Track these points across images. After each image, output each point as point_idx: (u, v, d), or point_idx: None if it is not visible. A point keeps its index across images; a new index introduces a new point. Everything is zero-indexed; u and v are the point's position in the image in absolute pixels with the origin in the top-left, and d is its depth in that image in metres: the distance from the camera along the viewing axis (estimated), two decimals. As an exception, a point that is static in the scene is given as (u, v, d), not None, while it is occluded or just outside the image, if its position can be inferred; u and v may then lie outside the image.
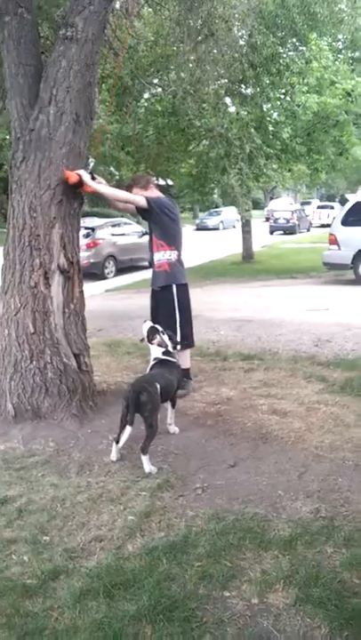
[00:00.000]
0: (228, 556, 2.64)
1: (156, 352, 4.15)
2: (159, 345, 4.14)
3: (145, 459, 3.49)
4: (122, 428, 3.57)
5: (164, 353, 4.11)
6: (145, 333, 4.24)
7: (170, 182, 18.45)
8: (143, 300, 10.71)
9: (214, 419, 4.30)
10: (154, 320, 4.60)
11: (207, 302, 9.98)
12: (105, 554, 2.70)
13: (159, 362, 4.10)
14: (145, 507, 3.09)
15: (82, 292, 4.54)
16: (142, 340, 4.32)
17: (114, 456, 3.66)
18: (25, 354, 4.23)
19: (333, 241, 12.08)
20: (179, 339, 4.54)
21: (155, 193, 4.84)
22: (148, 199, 4.66)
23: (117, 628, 2.19)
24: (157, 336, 4.17)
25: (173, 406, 4.11)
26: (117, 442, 3.62)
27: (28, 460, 3.72)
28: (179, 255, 4.80)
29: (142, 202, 4.66)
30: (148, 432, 3.55)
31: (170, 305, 4.73)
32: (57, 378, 4.24)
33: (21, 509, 3.11)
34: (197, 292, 11.80)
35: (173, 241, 4.79)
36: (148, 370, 4.15)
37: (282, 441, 3.91)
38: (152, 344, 4.18)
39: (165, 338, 4.17)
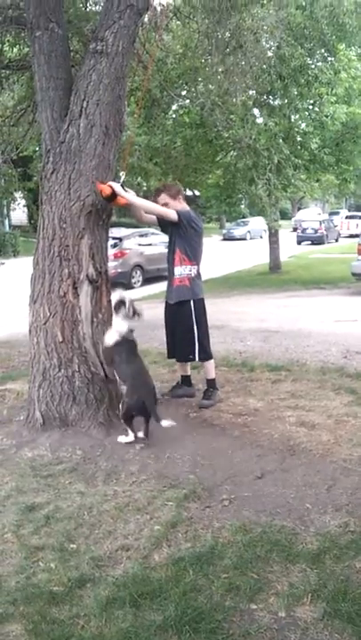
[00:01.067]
0: (255, 568, 2.62)
1: (120, 326, 4.19)
2: (125, 317, 4.19)
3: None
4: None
5: (128, 332, 4.17)
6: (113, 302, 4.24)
7: (197, 193, 18.48)
8: (170, 310, 10.77)
9: (241, 430, 4.28)
10: (171, 334, 4.80)
11: (234, 312, 9.97)
12: (131, 563, 2.70)
13: (126, 342, 4.16)
14: (171, 517, 3.08)
15: (110, 301, 4.58)
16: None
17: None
18: (53, 362, 4.28)
19: (362, 251, 11.96)
20: (197, 352, 4.70)
21: (182, 204, 4.84)
22: (178, 213, 4.65)
23: (144, 638, 2.19)
24: (122, 308, 4.19)
25: None
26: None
27: (56, 467, 3.75)
28: (198, 270, 4.80)
29: (173, 215, 4.64)
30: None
31: (189, 320, 4.73)
32: (85, 386, 4.27)
33: (49, 516, 3.14)
34: (224, 302, 11.82)
35: (196, 256, 4.79)
36: (107, 339, 4.19)
37: (310, 453, 3.86)
38: (117, 315, 4.23)
39: (130, 310, 4.20)
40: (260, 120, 11.70)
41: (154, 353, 6.72)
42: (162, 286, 15.40)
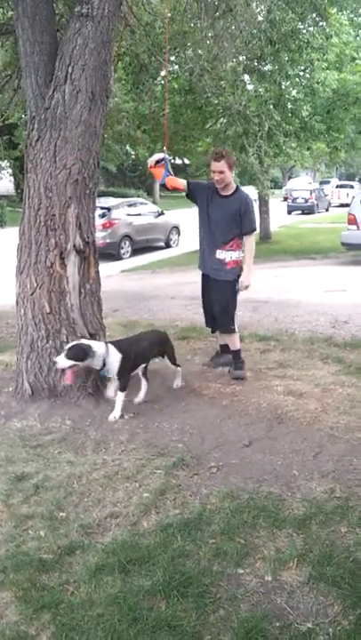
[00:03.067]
0: (242, 533, 2.67)
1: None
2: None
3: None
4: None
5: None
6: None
7: (187, 161, 18.27)
8: (158, 281, 10.77)
9: (230, 399, 4.30)
10: (208, 304, 4.87)
11: (224, 283, 9.95)
12: (120, 530, 2.74)
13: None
14: (160, 484, 3.12)
15: (97, 272, 4.54)
16: None
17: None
18: (41, 333, 4.26)
19: (353, 221, 11.92)
20: (235, 323, 4.81)
21: (232, 180, 4.70)
22: (253, 230, 4.69)
23: (132, 603, 2.23)
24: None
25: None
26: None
27: (45, 437, 3.77)
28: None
29: (253, 237, 4.75)
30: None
31: (232, 296, 4.74)
32: (73, 357, 4.26)
33: (38, 486, 3.16)
34: (214, 272, 11.78)
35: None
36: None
37: (297, 421, 3.90)
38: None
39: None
40: (250, 86, 11.50)
41: (143, 324, 6.72)
42: (150, 257, 15.50)
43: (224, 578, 2.39)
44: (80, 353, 3.85)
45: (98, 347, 3.97)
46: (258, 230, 17.46)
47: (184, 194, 4.83)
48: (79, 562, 2.52)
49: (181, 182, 4.72)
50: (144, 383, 4.35)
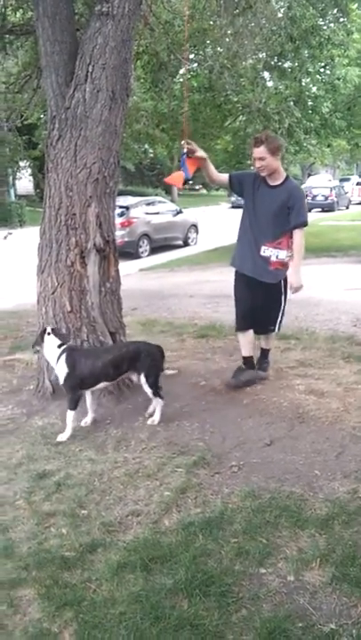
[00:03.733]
0: (264, 533, 2.65)
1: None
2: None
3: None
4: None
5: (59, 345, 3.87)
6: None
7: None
8: (176, 279, 10.76)
9: (250, 398, 4.28)
10: (246, 305, 4.45)
11: (243, 281, 9.91)
12: (142, 528, 2.74)
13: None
14: (181, 483, 3.11)
15: (117, 270, 4.55)
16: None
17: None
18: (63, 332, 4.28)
19: (373, 218, 11.80)
20: (278, 323, 4.56)
21: (280, 165, 4.25)
22: (303, 225, 4.28)
23: (154, 601, 2.23)
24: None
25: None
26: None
27: (66, 435, 3.79)
28: None
29: (303, 234, 4.29)
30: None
31: (279, 294, 4.45)
32: (94, 356, 4.27)
33: (60, 483, 3.18)
34: (233, 270, 11.72)
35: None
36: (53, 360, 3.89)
37: (319, 421, 3.87)
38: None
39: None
40: (270, 84, 11.44)
41: (162, 322, 6.73)
42: (169, 255, 15.49)
43: (246, 577, 2.38)
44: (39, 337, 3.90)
45: (52, 343, 3.85)
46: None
47: (227, 186, 4.56)
48: (101, 560, 2.53)
49: (212, 173, 4.35)
50: (156, 402, 3.93)
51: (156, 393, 3.91)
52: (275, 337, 4.68)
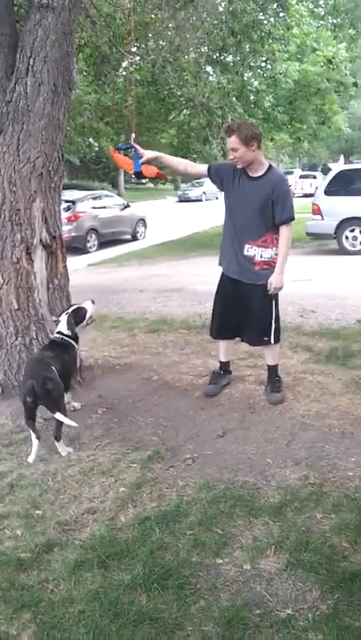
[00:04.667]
0: (219, 523, 2.69)
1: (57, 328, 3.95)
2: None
3: (59, 444, 3.43)
4: (34, 424, 3.40)
5: (57, 333, 3.89)
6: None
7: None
8: (126, 274, 10.72)
9: (202, 390, 4.32)
10: (225, 311, 4.14)
11: (192, 275, 9.97)
12: (98, 525, 2.73)
13: (49, 342, 3.94)
14: (136, 478, 3.12)
15: (65, 266, 4.50)
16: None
17: (33, 458, 3.37)
18: (10, 330, 4.20)
19: (317, 211, 12.06)
20: (272, 334, 4.08)
21: (259, 155, 3.85)
22: (289, 220, 3.90)
23: (113, 598, 2.23)
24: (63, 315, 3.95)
25: (66, 390, 3.76)
26: (39, 438, 3.39)
27: (18, 435, 3.73)
28: None
29: (289, 229, 3.92)
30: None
31: (268, 303, 4.03)
32: (43, 354, 4.21)
33: (13, 484, 3.13)
34: (182, 264, 11.79)
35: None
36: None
37: (269, 410, 3.94)
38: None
39: (64, 318, 3.91)
40: (212, 78, 11.50)
41: (113, 317, 6.70)
42: (117, 250, 15.39)
43: (203, 568, 2.41)
44: None
45: None
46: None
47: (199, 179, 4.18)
48: (58, 559, 2.51)
49: (183, 166, 4.08)
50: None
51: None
52: (277, 351, 4.25)
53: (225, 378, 4.42)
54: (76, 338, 3.92)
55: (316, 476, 3.08)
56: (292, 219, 3.93)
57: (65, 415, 3.44)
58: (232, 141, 3.73)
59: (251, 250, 3.95)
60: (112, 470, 3.22)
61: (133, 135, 4.24)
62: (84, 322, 4.02)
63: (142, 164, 3.96)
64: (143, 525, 2.69)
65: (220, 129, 10.62)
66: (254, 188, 3.84)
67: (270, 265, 3.96)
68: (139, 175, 4.09)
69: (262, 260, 3.96)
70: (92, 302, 4.13)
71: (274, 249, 3.95)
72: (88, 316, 4.04)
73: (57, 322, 4.02)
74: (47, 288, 4.30)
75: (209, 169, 4.02)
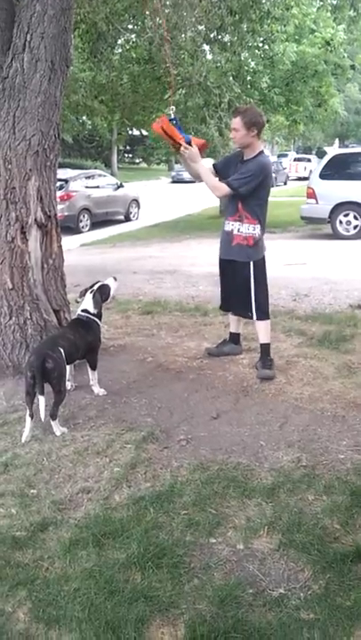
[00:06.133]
0: (213, 504, 2.72)
1: (81, 307, 4.00)
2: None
3: (54, 423, 3.42)
4: (31, 402, 3.37)
5: (82, 311, 3.94)
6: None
7: (145, 133, 18.03)
8: (119, 255, 10.68)
9: (196, 373, 4.34)
10: (225, 285, 4.48)
11: (186, 257, 9.97)
12: (93, 505, 2.75)
13: (73, 320, 4.05)
14: (130, 458, 3.14)
15: (60, 246, 4.48)
16: None
17: (27, 435, 3.38)
18: (4, 310, 4.19)
19: (311, 195, 12.03)
20: (254, 311, 4.28)
21: (256, 142, 4.13)
22: (230, 184, 4.04)
23: (108, 576, 2.25)
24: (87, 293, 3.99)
25: (92, 367, 3.96)
26: (32, 416, 3.37)
27: (12, 415, 3.73)
28: (263, 228, 4.24)
29: (226, 191, 4.09)
30: (56, 398, 3.44)
31: (247, 281, 4.25)
32: (37, 334, 4.21)
33: (7, 464, 3.14)
34: (175, 246, 11.76)
35: (262, 213, 4.22)
36: None
37: (263, 393, 3.97)
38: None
39: (89, 297, 3.96)
40: (209, 57, 11.36)
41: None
42: (110, 230, 15.32)
43: (197, 548, 2.44)
44: None
45: None
46: (218, 203, 17.47)
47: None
48: (53, 538, 2.53)
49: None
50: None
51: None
52: (267, 329, 4.37)
53: (227, 345, 4.71)
54: (100, 315, 3.98)
55: (308, 459, 3.11)
56: (235, 189, 4.06)
57: (61, 399, 3.48)
58: (236, 122, 4.02)
59: (228, 225, 4.25)
60: (106, 450, 3.24)
61: (173, 108, 4.28)
62: (108, 299, 4.08)
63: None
64: (138, 505, 2.71)
65: (218, 108, 10.55)
66: (240, 169, 4.12)
67: (246, 241, 4.20)
68: (188, 144, 4.10)
69: (239, 233, 4.21)
70: (115, 279, 4.16)
71: (250, 226, 4.18)
72: (111, 293, 4.09)
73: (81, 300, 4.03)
74: (42, 268, 4.29)
75: (215, 166, 4.31)
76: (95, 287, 4.01)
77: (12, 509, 2.74)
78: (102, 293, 4.00)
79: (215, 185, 4.14)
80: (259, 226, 4.19)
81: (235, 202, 4.17)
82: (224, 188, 4.10)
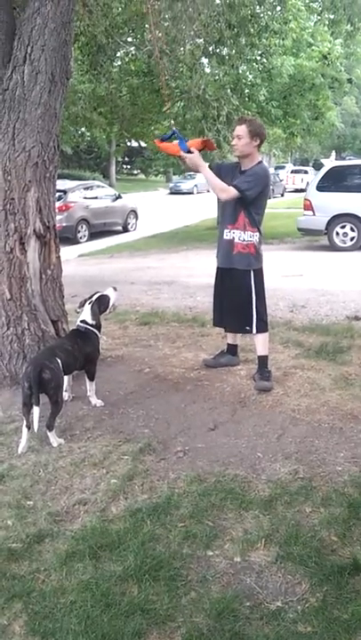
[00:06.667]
0: (210, 516, 2.71)
1: (80, 317, 4.00)
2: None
3: (51, 434, 3.42)
4: (28, 412, 3.34)
5: (81, 322, 3.95)
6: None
7: (143, 144, 18.13)
8: (117, 266, 10.70)
9: (193, 384, 4.34)
10: (220, 299, 4.40)
11: (183, 268, 9.99)
12: (89, 517, 2.74)
13: (72, 331, 4.05)
14: (127, 470, 3.13)
15: (59, 257, 4.49)
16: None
17: (23, 446, 3.37)
18: (2, 320, 4.20)
19: (308, 206, 12.08)
20: (254, 324, 4.24)
21: (256, 152, 4.16)
22: (237, 186, 4.01)
23: (104, 589, 2.24)
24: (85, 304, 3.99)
25: (90, 379, 3.96)
26: (29, 427, 3.34)
27: (8, 426, 3.72)
28: (260, 236, 4.26)
29: (233, 194, 4.03)
30: (52, 409, 3.44)
31: (247, 290, 4.24)
32: (35, 344, 4.21)
33: (3, 475, 3.12)
34: (173, 257, 11.79)
35: (260, 220, 4.26)
36: None
37: (260, 405, 3.97)
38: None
39: (87, 308, 3.96)
40: (207, 70, 11.45)
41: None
42: (108, 241, 15.35)
43: (194, 560, 2.43)
44: None
45: None
46: (215, 215, 17.55)
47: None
48: (49, 550, 2.52)
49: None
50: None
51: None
52: (265, 341, 4.36)
53: (225, 357, 4.71)
54: (99, 326, 3.96)
55: (305, 471, 3.11)
56: (240, 191, 4.04)
57: (58, 410, 3.48)
58: (241, 129, 4.04)
59: (230, 233, 4.22)
60: (103, 462, 3.23)
61: (172, 122, 4.29)
62: (107, 310, 4.04)
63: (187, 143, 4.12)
64: (134, 517, 2.70)
65: (216, 121, 10.61)
66: (240, 177, 4.11)
67: (247, 249, 4.20)
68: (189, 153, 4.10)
69: (240, 241, 4.20)
70: (115, 289, 4.14)
71: (250, 234, 4.18)
72: (111, 304, 4.06)
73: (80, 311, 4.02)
74: (40, 278, 4.29)
75: (210, 168, 4.22)
76: (94, 298, 4.01)
77: (8, 521, 2.73)
78: (101, 304, 4.00)
79: (223, 187, 4.07)
80: (258, 234, 4.22)
81: (236, 210, 4.15)
82: (232, 191, 4.04)
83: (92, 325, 3.93)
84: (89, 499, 2.89)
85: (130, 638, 2.01)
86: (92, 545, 2.50)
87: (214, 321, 4.67)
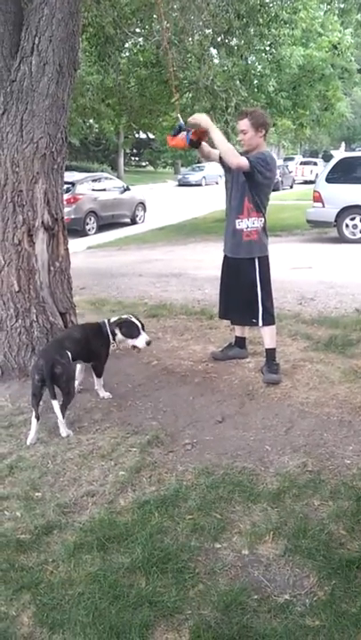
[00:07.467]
0: (218, 508, 2.71)
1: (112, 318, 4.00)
2: None
3: (62, 423, 3.45)
4: (37, 404, 3.41)
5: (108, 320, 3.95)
6: None
7: (152, 136, 18.06)
8: (126, 258, 10.70)
9: (201, 376, 4.33)
10: (226, 290, 4.37)
11: (191, 260, 9.95)
12: (97, 508, 2.74)
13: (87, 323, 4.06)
14: (135, 462, 3.13)
15: (67, 249, 4.49)
16: None
17: (32, 438, 3.40)
18: (10, 312, 4.20)
19: (318, 198, 12.00)
20: (260, 316, 4.22)
21: (263, 142, 4.10)
22: (250, 160, 3.93)
23: (112, 580, 2.24)
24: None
25: (98, 375, 3.96)
26: (38, 419, 3.42)
27: (17, 417, 3.74)
28: (265, 223, 4.22)
29: (244, 164, 3.93)
30: (65, 399, 3.48)
31: (252, 278, 4.21)
32: (43, 336, 4.22)
33: (12, 466, 3.14)
34: (181, 249, 11.76)
35: (265, 207, 4.20)
36: None
37: (268, 397, 3.96)
38: None
39: (121, 320, 3.93)
40: (216, 61, 11.38)
41: (112, 302, 6.69)
42: (116, 233, 15.34)
43: (202, 553, 2.43)
44: None
45: None
46: (224, 207, 17.49)
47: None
48: (57, 541, 2.53)
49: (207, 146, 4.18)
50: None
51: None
52: (272, 333, 4.34)
53: (233, 349, 4.70)
54: (114, 335, 3.88)
55: (314, 464, 3.10)
56: (253, 166, 3.94)
57: (70, 400, 3.51)
58: (243, 123, 4.01)
59: (241, 223, 4.17)
60: (112, 454, 3.23)
61: (179, 115, 4.28)
62: (130, 338, 3.92)
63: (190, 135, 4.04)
64: (142, 509, 2.71)
65: (225, 112, 10.54)
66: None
67: (253, 235, 4.17)
68: (194, 144, 4.06)
69: (248, 229, 4.17)
70: (148, 343, 3.96)
71: (253, 219, 4.15)
72: (136, 343, 3.93)
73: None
74: (48, 270, 4.29)
75: (220, 157, 4.16)
76: (133, 320, 3.93)
77: (17, 512, 2.74)
78: (127, 330, 3.90)
79: (236, 153, 4.00)
80: (263, 219, 4.18)
81: (240, 198, 4.12)
82: (244, 160, 3.94)
83: (111, 329, 3.87)
84: (97, 490, 2.89)
85: (137, 630, 2.01)
86: (100, 537, 2.50)
87: (220, 313, 4.68)
